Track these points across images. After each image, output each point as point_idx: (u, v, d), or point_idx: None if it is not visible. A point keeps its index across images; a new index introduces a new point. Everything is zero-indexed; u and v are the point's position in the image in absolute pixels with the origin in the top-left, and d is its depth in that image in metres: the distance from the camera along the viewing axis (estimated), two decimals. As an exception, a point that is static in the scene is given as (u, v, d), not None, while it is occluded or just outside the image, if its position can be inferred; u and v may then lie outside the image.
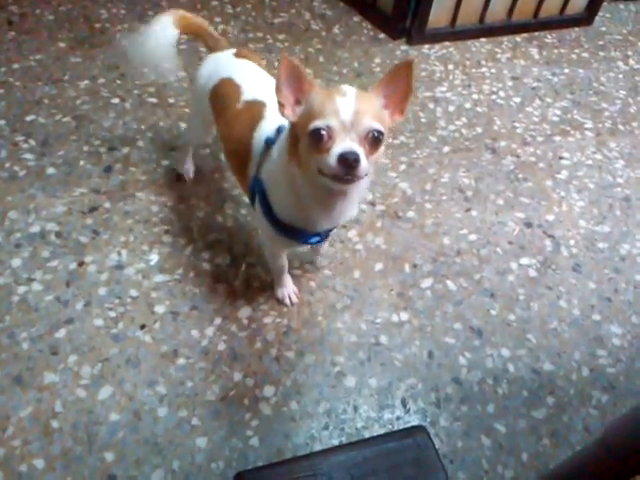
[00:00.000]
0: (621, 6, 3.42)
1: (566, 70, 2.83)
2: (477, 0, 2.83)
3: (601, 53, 2.99)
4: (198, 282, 1.73)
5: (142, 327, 1.61)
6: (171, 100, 2.31)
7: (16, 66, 2.36)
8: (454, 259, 1.90)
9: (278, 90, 1.13)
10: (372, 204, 2.03)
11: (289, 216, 1.33)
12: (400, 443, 1.03)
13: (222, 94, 1.52)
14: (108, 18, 2.69)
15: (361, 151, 1.06)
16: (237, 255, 1.82)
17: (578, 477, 1.14)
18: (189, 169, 2.01)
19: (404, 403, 1.54)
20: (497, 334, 1.72)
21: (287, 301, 1.70)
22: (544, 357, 1.68)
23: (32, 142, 2.07)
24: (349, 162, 1.05)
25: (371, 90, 1.15)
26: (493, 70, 2.75)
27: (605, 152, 2.40)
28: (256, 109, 1.43)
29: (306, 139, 1.10)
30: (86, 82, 2.34)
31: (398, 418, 1.52)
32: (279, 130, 1.34)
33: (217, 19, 2.75)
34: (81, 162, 2.03)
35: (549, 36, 3.05)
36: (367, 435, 1.47)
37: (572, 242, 2.01)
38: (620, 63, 2.94)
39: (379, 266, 1.85)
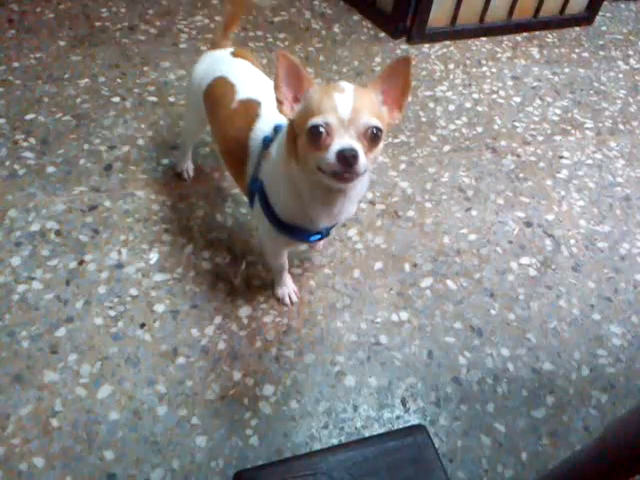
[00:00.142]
0: (622, 6, 3.41)
1: (566, 69, 2.82)
2: (477, -1, 2.83)
3: (601, 53, 2.99)
4: (198, 281, 1.73)
5: (142, 326, 1.61)
6: (171, 99, 2.31)
7: (16, 64, 2.36)
8: (454, 258, 1.90)
9: (277, 88, 1.13)
10: (372, 203, 2.03)
11: (290, 215, 1.33)
12: (400, 442, 1.03)
13: (216, 93, 1.51)
14: (108, 17, 2.68)
15: (360, 148, 1.06)
16: (237, 254, 1.82)
17: (578, 477, 1.14)
18: (189, 168, 2.01)
19: (404, 402, 1.54)
20: (497, 333, 1.72)
21: (287, 300, 1.70)
22: (544, 357, 1.68)
23: (32, 140, 2.07)
24: (348, 159, 1.04)
25: (369, 86, 1.14)
26: (493, 69, 2.75)
27: (605, 151, 2.40)
28: (251, 108, 1.41)
29: (305, 137, 1.10)
30: (86, 80, 2.34)
31: (398, 417, 1.52)
32: (276, 129, 1.33)
33: (217, 18, 2.75)
34: (81, 161, 2.03)
35: (549, 35, 3.05)
36: (367, 434, 1.47)
37: (572, 242, 2.01)
38: (620, 63, 2.93)
39: (379, 265, 1.85)
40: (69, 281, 1.69)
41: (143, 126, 2.18)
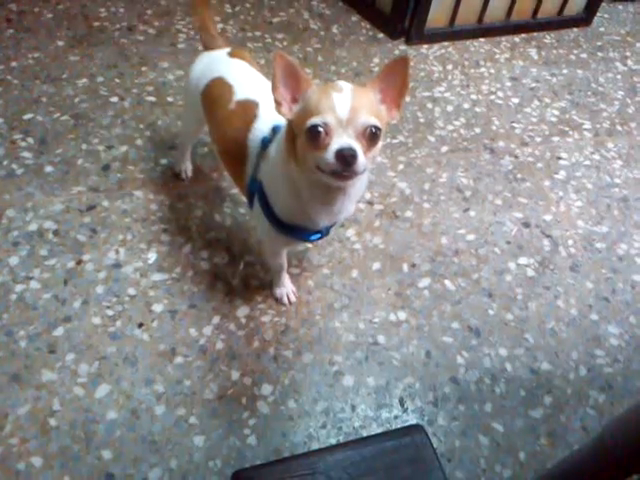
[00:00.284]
0: (620, 7, 3.42)
1: (565, 71, 2.83)
2: (476, 0, 2.83)
3: (599, 54, 2.99)
4: (196, 281, 1.73)
5: (140, 325, 1.61)
6: (170, 99, 2.31)
7: (14, 64, 2.36)
8: (452, 259, 1.90)
9: (274, 88, 1.13)
10: (370, 203, 2.03)
11: (289, 215, 1.33)
12: (398, 442, 1.03)
13: (214, 94, 1.51)
14: (107, 17, 2.68)
15: (358, 147, 1.06)
16: (235, 254, 1.82)
17: (576, 476, 1.14)
18: (187, 168, 2.01)
19: (402, 402, 1.54)
20: (495, 334, 1.72)
21: (285, 300, 1.70)
22: (542, 357, 1.68)
23: (30, 140, 2.07)
24: (347, 158, 1.05)
25: (368, 86, 1.15)
26: (492, 70, 2.75)
27: (603, 152, 2.40)
28: (249, 109, 1.41)
29: (303, 136, 1.10)
30: (84, 80, 2.34)
31: (396, 417, 1.52)
32: (275, 130, 1.33)
33: (216, 18, 2.74)
34: (79, 160, 2.02)
35: (548, 36, 3.05)
36: (365, 434, 1.47)
37: (570, 242, 2.01)
38: (618, 64, 2.94)
39: (377, 265, 1.85)
40: (67, 281, 1.68)
41: (141, 126, 2.18)
